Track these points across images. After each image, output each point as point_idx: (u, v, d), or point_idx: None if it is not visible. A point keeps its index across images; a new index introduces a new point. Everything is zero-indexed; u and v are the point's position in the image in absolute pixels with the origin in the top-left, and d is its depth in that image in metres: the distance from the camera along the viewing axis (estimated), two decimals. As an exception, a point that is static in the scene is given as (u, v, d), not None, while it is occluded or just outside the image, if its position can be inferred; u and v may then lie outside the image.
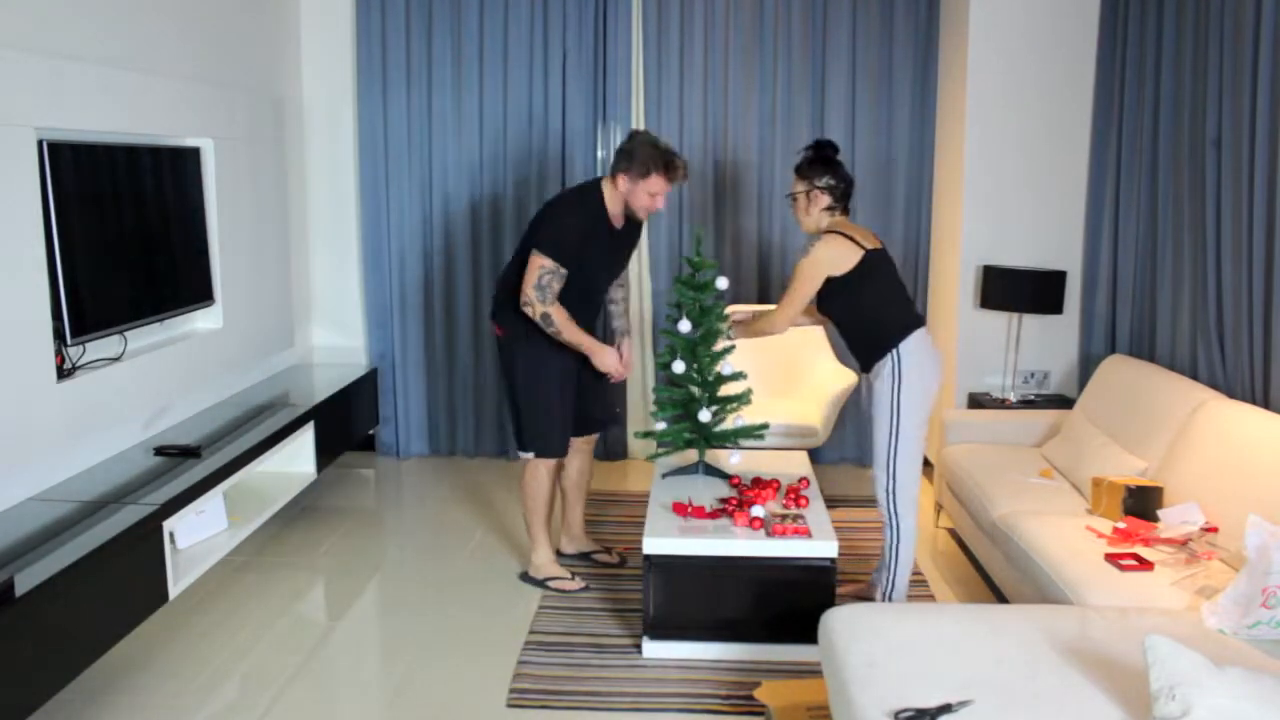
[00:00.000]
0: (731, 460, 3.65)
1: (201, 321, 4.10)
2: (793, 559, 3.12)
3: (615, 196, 3.42)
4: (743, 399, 3.61)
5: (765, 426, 3.62)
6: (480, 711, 2.92)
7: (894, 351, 3.16)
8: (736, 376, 3.57)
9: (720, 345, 3.56)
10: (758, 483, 3.52)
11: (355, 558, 4.03)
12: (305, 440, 4.15)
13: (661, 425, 3.65)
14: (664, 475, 3.67)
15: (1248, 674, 1.90)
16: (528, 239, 3.44)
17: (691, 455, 3.82)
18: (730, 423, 3.65)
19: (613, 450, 5.29)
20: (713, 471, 3.67)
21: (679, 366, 3.53)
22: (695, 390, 3.60)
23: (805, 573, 3.12)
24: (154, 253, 3.64)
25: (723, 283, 3.53)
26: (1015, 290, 4.50)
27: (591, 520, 4.31)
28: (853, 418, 5.05)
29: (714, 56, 4.96)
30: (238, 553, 4.01)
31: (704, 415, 3.54)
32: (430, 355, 5.25)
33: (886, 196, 5.02)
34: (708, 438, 3.63)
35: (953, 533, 4.33)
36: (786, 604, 3.14)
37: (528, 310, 3.36)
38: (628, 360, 3.58)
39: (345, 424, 4.65)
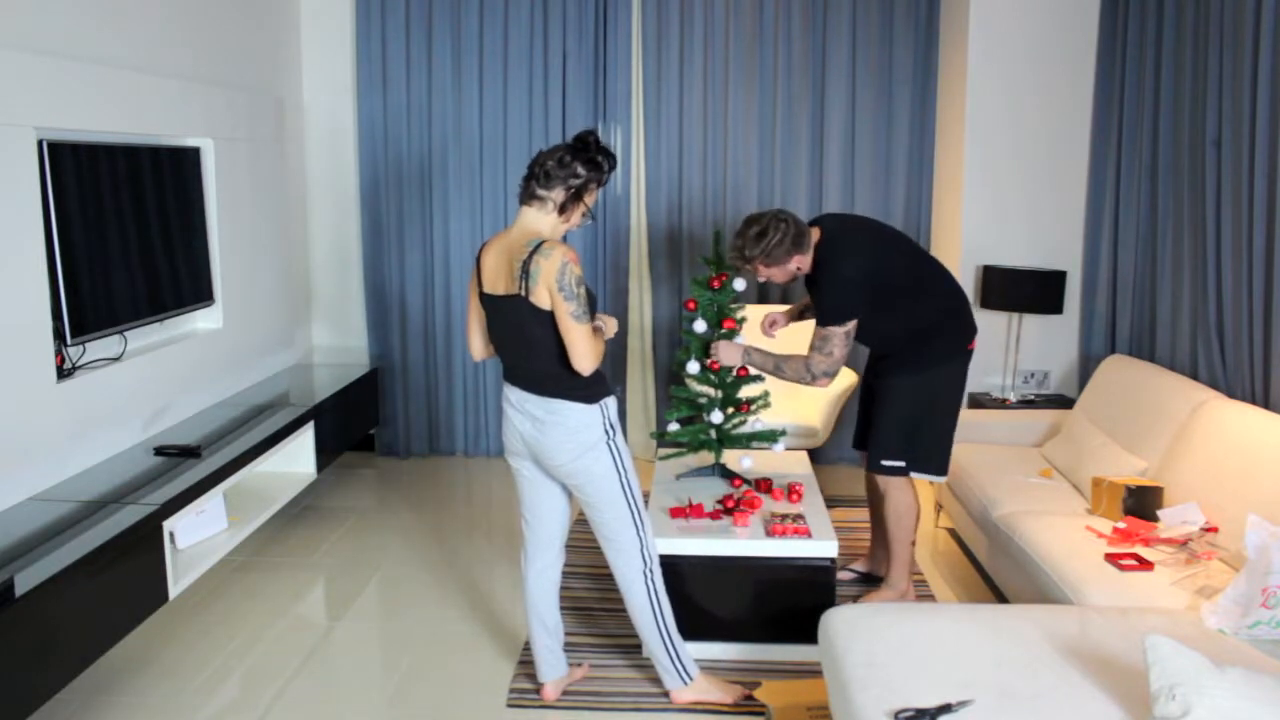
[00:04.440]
0: (743, 464, 3.64)
1: (201, 321, 4.10)
2: (793, 559, 3.12)
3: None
4: (761, 401, 3.60)
5: (783, 433, 3.62)
6: (480, 711, 2.92)
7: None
8: (752, 379, 3.57)
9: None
10: (760, 484, 3.52)
11: (355, 558, 4.03)
12: (305, 440, 4.15)
13: (674, 426, 3.63)
14: (678, 476, 3.66)
15: (1248, 674, 1.90)
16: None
17: (704, 457, 3.80)
18: (748, 426, 3.64)
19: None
20: (729, 474, 3.66)
21: (694, 367, 3.52)
22: (711, 391, 3.60)
23: (805, 573, 3.12)
24: (154, 253, 3.64)
25: (740, 284, 3.52)
26: (1015, 290, 4.51)
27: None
28: (852, 418, 5.03)
29: (714, 57, 4.96)
30: (238, 553, 4.00)
31: (716, 416, 3.53)
32: (430, 355, 5.25)
33: (886, 196, 5.01)
34: (722, 440, 3.62)
35: (953, 533, 4.33)
36: (786, 604, 3.14)
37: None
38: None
39: (345, 424, 4.64)
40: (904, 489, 3.40)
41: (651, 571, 2.85)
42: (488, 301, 2.70)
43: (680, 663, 2.89)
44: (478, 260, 2.75)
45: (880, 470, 3.39)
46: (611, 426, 2.73)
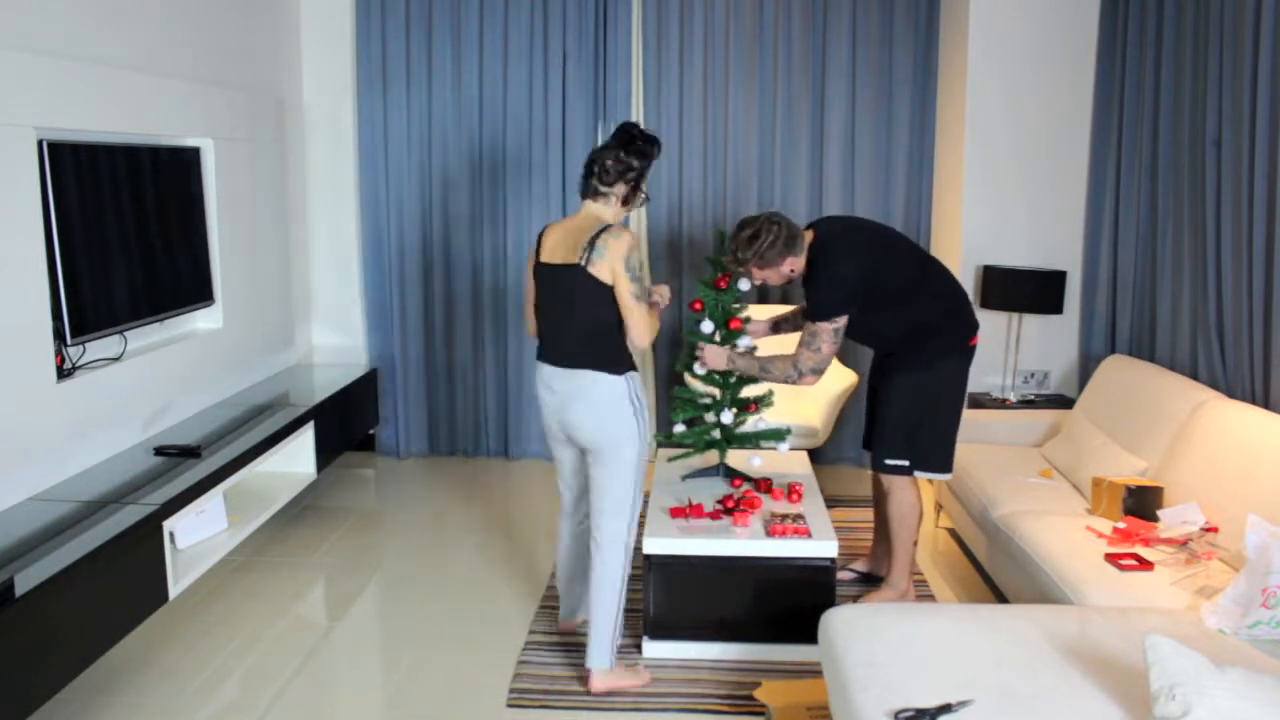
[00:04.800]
0: (753, 463, 3.63)
1: (201, 321, 4.10)
2: (793, 559, 3.12)
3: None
4: (766, 400, 3.60)
5: (789, 431, 3.62)
6: (480, 711, 2.92)
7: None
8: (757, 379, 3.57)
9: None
10: (760, 484, 3.53)
11: (355, 558, 4.03)
12: (305, 440, 4.15)
13: (680, 427, 3.63)
14: (684, 478, 3.66)
15: (1248, 674, 1.90)
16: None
17: (708, 457, 3.80)
18: (750, 425, 3.64)
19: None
20: (734, 474, 3.66)
21: (700, 367, 3.52)
22: (715, 392, 3.59)
23: (805, 573, 3.12)
24: (154, 253, 3.64)
25: (745, 284, 3.52)
26: (1015, 290, 4.51)
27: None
28: (853, 418, 5.04)
29: (714, 57, 4.96)
30: (238, 553, 4.01)
31: (726, 416, 3.53)
32: (430, 355, 5.25)
33: (886, 196, 5.01)
34: (729, 439, 3.62)
35: (953, 533, 4.33)
36: (786, 604, 3.14)
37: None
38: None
39: (345, 424, 4.64)
40: (907, 488, 3.40)
41: (628, 546, 2.98)
42: (542, 271, 2.94)
43: (615, 641, 3.00)
44: (539, 238, 3.00)
45: (884, 469, 3.39)
46: (638, 398, 2.92)
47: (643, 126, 2.95)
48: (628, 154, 2.88)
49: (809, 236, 3.29)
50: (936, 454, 3.38)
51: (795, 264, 3.25)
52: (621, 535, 2.95)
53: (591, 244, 2.79)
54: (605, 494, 2.93)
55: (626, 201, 2.93)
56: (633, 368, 2.92)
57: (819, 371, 3.26)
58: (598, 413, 2.87)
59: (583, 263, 2.79)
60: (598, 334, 2.85)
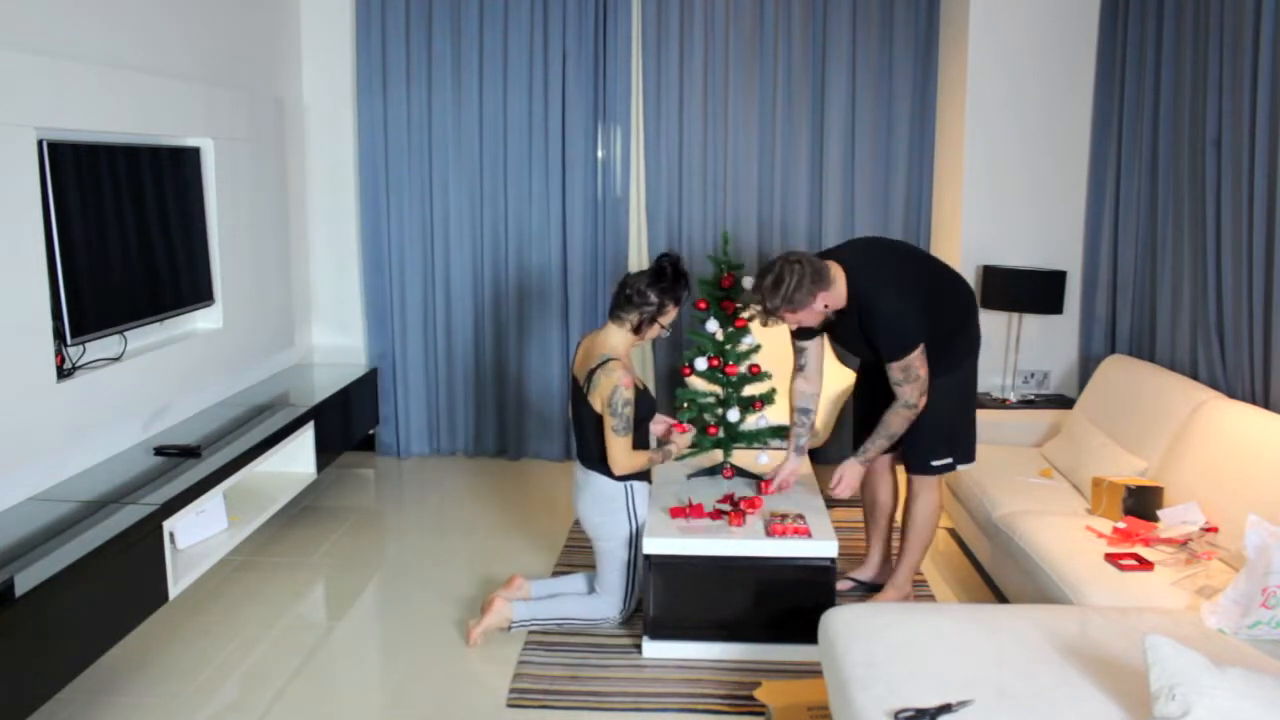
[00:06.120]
0: (761, 461, 3.64)
1: (201, 321, 4.10)
2: (793, 559, 3.12)
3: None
4: (769, 398, 3.60)
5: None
6: (480, 711, 2.92)
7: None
8: (761, 377, 3.56)
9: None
10: (763, 485, 3.52)
11: (355, 558, 4.03)
12: (305, 440, 4.15)
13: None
14: (689, 476, 3.66)
15: (1248, 674, 1.90)
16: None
17: (712, 456, 3.80)
18: (753, 423, 3.64)
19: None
20: (741, 473, 3.66)
21: (702, 363, 3.52)
22: (718, 390, 3.59)
23: (805, 573, 3.12)
24: (154, 253, 3.64)
25: (749, 281, 3.52)
26: (1015, 290, 4.51)
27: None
28: (853, 419, 5.03)
29: (714, 57, 4.96)
30: (238, 553, 4.01)
31: (733, 414, 3.53)
32: (430, 355, 5.25)
33: (886, 196, 5.01)
34: (734, 438, 3.62)
35: (953, 533, 4.33)
36: (786, 604, 3.14)
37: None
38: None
39: (345, 424, 4.65)
40: (935, 490, 3.42)
41: (607, 620, 3.33)
42: (573, 377, 3.30)
43: (536, 622, 3.30)
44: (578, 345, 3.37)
45: (929, 471, 3.36)
46: (634, 509, 3.25)
47: (678, 260, 3.20)
48: (650, 287, 3.14)
49: (837, 270, 3.15)
50: (970, 445, 3.44)
51: (829, 298, 3.13)
52: (607, 611, 3.31)
53: (590, 375, 3.15)
54: (601, 574, 3.34)
55: (638, 331, 3.20)
56: (638, 479, 3.27)
57: (925, 392, 3.21)
58: (594, 508, 3.27)
59: (585, 390, 3.18)
60: (599, 446, 3.21)
